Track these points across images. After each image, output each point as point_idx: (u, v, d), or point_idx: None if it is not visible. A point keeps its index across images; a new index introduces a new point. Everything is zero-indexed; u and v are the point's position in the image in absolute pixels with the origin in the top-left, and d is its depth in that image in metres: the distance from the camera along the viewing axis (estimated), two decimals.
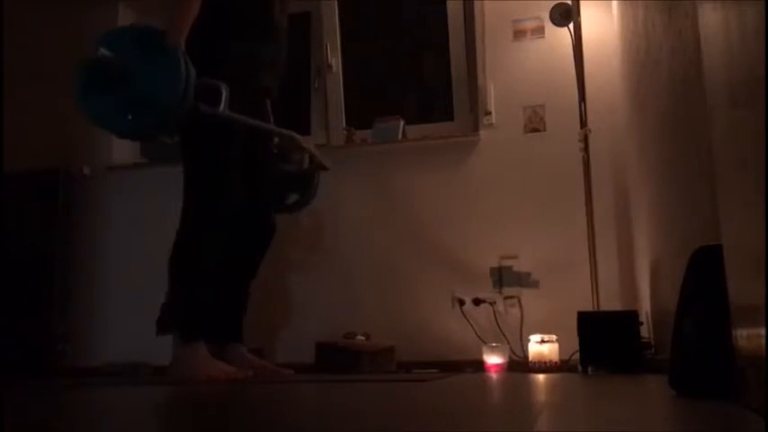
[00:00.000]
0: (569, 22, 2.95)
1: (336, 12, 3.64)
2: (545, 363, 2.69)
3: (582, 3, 3.05)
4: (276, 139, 2.59)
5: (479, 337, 3.01)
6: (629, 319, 2.42)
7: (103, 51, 2.09)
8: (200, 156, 2.30)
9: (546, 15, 3.00)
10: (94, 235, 3.56)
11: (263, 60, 2.44)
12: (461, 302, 3.09)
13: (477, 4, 3.32)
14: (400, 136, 3.39)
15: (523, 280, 3.07)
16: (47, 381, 2.46)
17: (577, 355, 2.44)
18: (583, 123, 2.90)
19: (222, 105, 2.15)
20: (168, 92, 2.05)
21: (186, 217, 2.29)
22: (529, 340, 2.78)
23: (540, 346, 2.73)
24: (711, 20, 1.06)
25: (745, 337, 0.94)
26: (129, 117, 2.07)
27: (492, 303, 3.07)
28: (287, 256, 3.24)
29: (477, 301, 3.08)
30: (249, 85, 2.38)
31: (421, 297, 3.15)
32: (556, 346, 2.72)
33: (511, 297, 3.07)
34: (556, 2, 2.94)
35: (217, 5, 2.29)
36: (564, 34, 3.01)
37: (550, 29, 3.12)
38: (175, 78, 2.05)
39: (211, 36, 2.28)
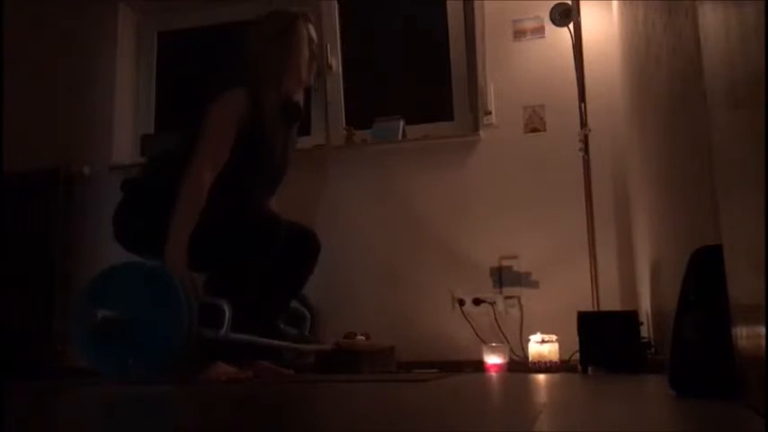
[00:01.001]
0: (569, 22, 2.95)
1: (336, 12, 3.64)
2: (545, 363, 2.69)
3: (582, 3, 3.05)
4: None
5: (479, 337, 3.01)
6: (629, 319, 2.42)
7: (104, 314, 2.01)
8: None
9: (546, 15, 3.00)
10: (95, 235, 3.56)
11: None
12: (461, 302, 3.09)
13: (477, 4, 3.32)
14: (400, 136, 3.39)
15: (523, 280, 3.07)
16: (47, 381, 2.46)
17: (577, 355, 2.44)
18: (583, 123, 2.90)
19: (225, 327, 2.03)
20: (171, 342, 1.99)
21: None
22: (529, 340, 2.78)
23: (540, 346, 2.73)
24: (711, 20, 1.06)
25: (745, 337, 0.94)
26: (131, 361, 2.00)
27: (492, 303, 3.07)
28: None
29: (477, 301, 3.08)
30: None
31: (421, 297, 3.15)
32: (556, 346, 2.72)
33: (511, 297, 3.07)
34: (556, 2, 2.94)
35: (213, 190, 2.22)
36: (564, 34, 3.01)
37: (550, 29, 3.12)
38: (178, 328, 1.98)
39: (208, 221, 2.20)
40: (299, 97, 2.54)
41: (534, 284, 3.06)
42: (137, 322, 2.02)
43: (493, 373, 2.71)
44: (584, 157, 2.88)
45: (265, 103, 2.34)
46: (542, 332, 2.75)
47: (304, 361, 2.66)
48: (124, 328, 2.02)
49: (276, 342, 2.36)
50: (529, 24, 3.28)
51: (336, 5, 3.65)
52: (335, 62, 3.60)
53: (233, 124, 2.26)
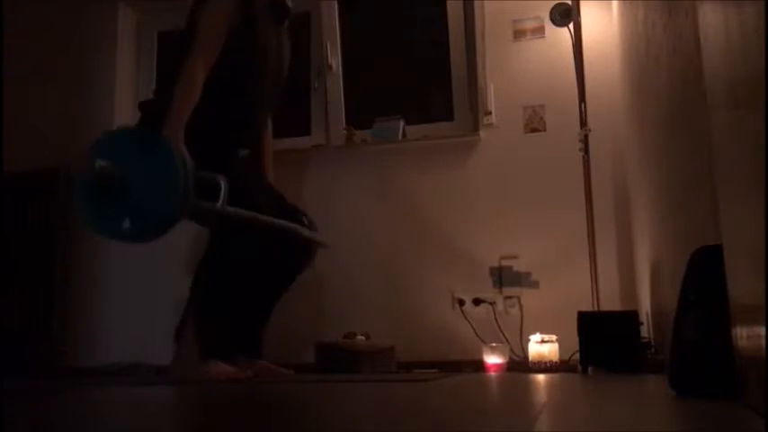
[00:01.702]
0: (569, 22, 2.94)
1: (336, 12, 3.64)
2: (545, 363, 2.69)
3: (582, 3, 3.05)
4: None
5: (479, 337, 3.01)
6: (629, 319, 2.42)
7: (101, 163, 2.07)
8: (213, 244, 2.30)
9: (546, 15, 3.00)
10: (94, 235, 3.56)
11: (262, 115, 2.55)
12: (461, 302, 3.09)
13: (477, 4, 3.32)
14: (400, 136, 3.39)
15: (523, 280, 3.07)
16: (47, 381, 2.46)
17: (577, 355, 2.44)
18: (583, 123, 2.90)
19: (221, 201, 2.11)
20: (166, 202, 2.04)
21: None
22: (529, 340, 2.78)
23: (540, 346, 2.73)
24: (711, 20, 1.06)
25: (745, 337, 0.94)
26: (126, 224, 2.05)
27: (492, 303, 3.07)
28: None
29: (477, 301, 3.08)
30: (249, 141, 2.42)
31: (421, 297, 3.15)
32: (556, 346, 2.72)
33: (511, 297, 3.07)
34: (556, 2, 2.94)
35: (215, 88, 2.30)
36: (564, 34, 3.01)
37: (550, 29, 3.12)
38: (174, 189, 2.03)
39: (212, 117, 2.30)
40: None
41: (534, 284, 3.06)
42: (134, 182, 2.06)
43: (493, 373, 2.71)
44: (584, 157, 2.88)
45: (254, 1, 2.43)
46: (542, 332, 2.75)
47: (307, 254, 2.58)
48: (122, 186, 2.06)
49: (278, 221, 2.36)
50: (529, 24, 3.28)
51: (336, 5, 3.64)
52: (335, 62, 3.59)
53: (224, 20, 2.36)
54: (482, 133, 3.24)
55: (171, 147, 2.09)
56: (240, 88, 2.44)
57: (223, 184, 2.11)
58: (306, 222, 2.56)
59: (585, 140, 2.88)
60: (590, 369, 2.39)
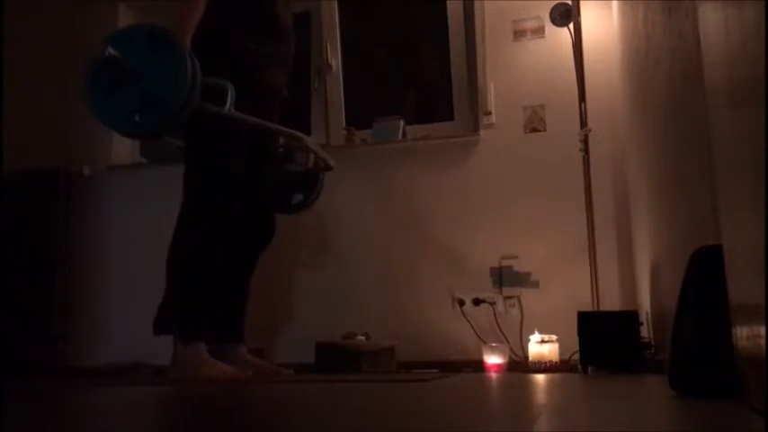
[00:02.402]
0: (569, 22, 2.94)
1: (336, 12, 3.64)
2: (545, 363, 2.69)
3: (582, 3, 3.05)
4: (281, 139, 2.59)
5: (479, 337, 3.01)
6: (629, 319, 2.42)
7: (111, 51, 2.10)
8: (200, 154, 2.30)
9: (546, 15, 3.00)
10: (94, 235, 3.56)
11: (269, 59, 2.44)
12: (461, 302, 3.09)
13: (477, 4, 3.32)
14: (400, 136, 3.39)
15: (523, 280, 3.07)
16: (47, 381, 2.46)
17: (577, 355, 2.44)
18: (583, 123, 2.90)
19: (228, 105, 2.17)
20: (175, 92, 2.07)
21: (183, 216, 2.29)
22: (529, 340, 2.78)
23: (540, 346, 2.73)
24: (711, 20, 1.06)
25: (745, 337, 0.94)
26: (136, 117, 2.08)
27: (492, 303, 3.07)
28: (287, 256, 3.24)
29: (477, 301, 3.08)
30: (256, 83, 2.38)
31: (421, 297, 3.15)
32: (556, 346, 2.72)
33: (511, 297, 3.07)
34: (556, 2, 2.94)
35: (221, 4, 2.29)
36: (564, 34, 3.01)
37: (550, 29, 3.12)
38: (182, 79, 2.06)
39: (216, 34, 2.29)
40: None
41: (534, 284, 3.06)
42: (143, 76, 2.09)
43: (493, 373, 2.71)
44: (584, 157, 2.88)
45: None
46: (542, 332, 2.75)
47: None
48: (131, 77, 2.08)
49: (289, 130, 2.39)
50: (529, 24, 3.28)
51: (336, 5, 3.64)
52: (335, 62, 3.59)
53: None
54: (482, 133, 3.24)
55: (180, 45, 2.12)
56: (247, 19, 2.39)
57: (230, 89, 2.16)
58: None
59: (585, 140, 2.88)
60: (590, 369, 2.39)
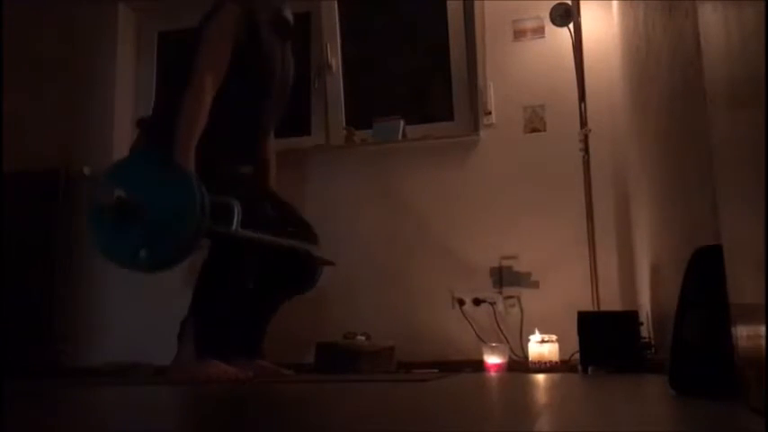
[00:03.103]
0: (569, 22, 2.94)
1: (336, 12, 3.64)
2: (545, 363, 2.69)
3: (582, 3, 3.05)
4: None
5: (479, 337, 3.01)
6: (629, 319, 2.42)
7: (119, 194, 2.06)
8: (212, 269, 2.29)
9: (546, 15, 3.00)
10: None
11: (266, 130, 2.56)
12: (461, 302, 3.09)
13: (477, 4, 3.32)
14: (400, 136, 3.39)
15: (523, 280, 3.07)
16: (47, 381, 2.46)
17: (577, 355, 2.44)
18: (583, 123, 2.90)
19: (234, 224, 2.10)
20: (183, 227, 2.04)
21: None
22: (529, 340, 2.78)
23: (540, 346, 2.73)
24: (711, 20, 1.06)
25: (745, 337, 0.94)
26: (143, 253, 2.04)
27: (492, 303, 3.07)
28: None
29: (477, 301, 3.08)
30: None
31: (421, 297, 3.15)
32: (556, 346, 2.72)
33: (511, 297, 3.07)
34: (556, 2, 2.94)
35: (219, 105, 2.28)
36: (564, 34, 3.01)
37: (550, 29, 3.11)
38: (190, 213, 2.02)
39: (216, 133, 2.27)
40: (288, 15, 2.59)
41: (534, 284, 3.06)
42: (150, 209, 2.06)
43: (493, 373, 2.71)
44: (584, 157, 2.88)
45: (258, 15, 2.41)
46: (542, 332, 2.75)
47: (312, 275, 2.60)
48: (138, 213, 2.06)
49: (286, 240, 2.36)
50: (529, 24, 3.28)
51: (336, 5, 3.64)
52: (335, 62, 3.59)
53: (229, 37, 2.33)
54: (482, 133, 3.24)
55: (187, 173, 2.08)
56: (244, 104, 2.41)
57: (236, 208, 2.10)
58: (312, 235, 2.56)
59: (585, 140, 2.88)
60: (590, 369, 2.39)
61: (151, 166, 2.14)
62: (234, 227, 2.09)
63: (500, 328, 3.03)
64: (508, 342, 2.97)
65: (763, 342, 0.80)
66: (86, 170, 3.60)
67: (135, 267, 2.09)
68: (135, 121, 2.57)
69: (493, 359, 2.81)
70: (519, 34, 3.30)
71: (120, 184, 2.12)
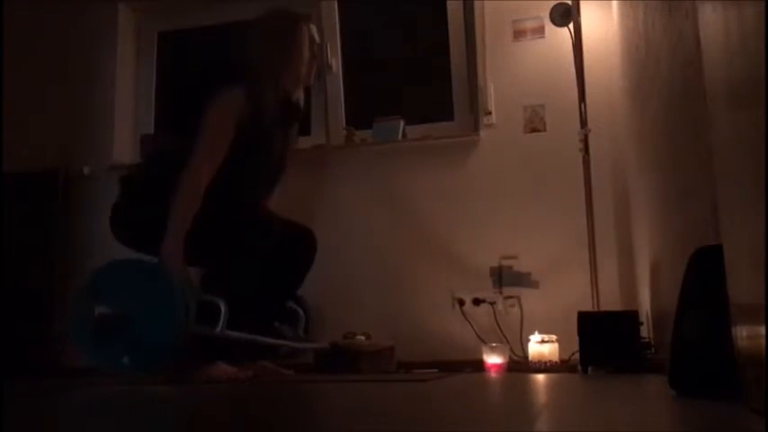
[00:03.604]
0: (569, 22, 2.94)
1: (336, 12, 3.64)
2: (545, 363, 2.69)
3: (582, 3, 3.05)
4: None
5: (479, 337, 3.01)
6: (629, 319, 2.42)
7: (104, 310, 2.06)
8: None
9: (546, 15, 3.00)
10: (94, 235, 3.56)
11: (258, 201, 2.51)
12: (461, 302, 3.09)
13: (477, 4, 3.32)
14: (400, 136, 3.39)
15: (523, 280, 3.07)
16: (47, 381, 2.46)
17: (577, 355, 2.44)
18: (583, 123, 2.90)
19: (220, 326, 2.07)
20: (167, 336, 2.03)
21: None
22: (529, 340, 2.78)
23: (540, 346, 2.73)
24: (711, 20, 1.06)
25: (745, 337, 0.94)
26: (125, 360, 2.04)
27: (492, 303, 3.07)
28: None
29: (477, 301, 3.08)
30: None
31: (421, 297, 3.15)
32: (556, 346, 2.72)
33: (511, 297, 3.07)
34: (556, 2, 2.94)
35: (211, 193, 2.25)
36: (564, 34, 3.01)
37: (550, 29, 3.11)
38: (174, 321, 2.02)
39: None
40: (299, 96, 2.54)
41: (534, 284, 3.06)
42: (133, 319, 2.05)
43: (493, 373, 2.71)
44: (584, 157, 2.88)
45: (264, 102, 2.35)
46: (542, 332, 2.75)
47: (299, 360, 2.66)
48: (120, 324, 2.04)
49: (272, 340, 2.37)
50: (529, 24, 3.28)
51: (336, 5, 3.64)
52: (335, 62, 3.59)
53: (231, 123, 2.28)
54: (482, 133, 3.24)
55: (171, 278, 2.05)
56: (238, 183, 2.34)
57: (223, 308, 2.07)
58: (311, 240, 2.58)
59: (585, 140, 2.88)
60: (590, 369, 2.39)
61: (133, 275, 2.11)
62: (219, 329, 2.07)
63: (500, 328, 3.03)
64: (508, 342, 2.97)
65: (763, 342, 0.80)
66: (86, 170, 3.60)
67: (116, 372, 2.10)
68: (140, 137, 2.54)
69: (493, 359, 2.81)
70: (519, 34, 3.30)
71: (102, 295, 2.10)
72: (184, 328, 2.02)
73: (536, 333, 2.76)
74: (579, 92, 2.91)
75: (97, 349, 2.09)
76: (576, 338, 2.42)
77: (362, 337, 2.90)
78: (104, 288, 2.13)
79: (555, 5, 2.94)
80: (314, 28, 2.55)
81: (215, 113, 2.27)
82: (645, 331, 2.45)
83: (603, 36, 3.16)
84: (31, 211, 3.53)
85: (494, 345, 2.86)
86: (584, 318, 2.45)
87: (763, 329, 0.80)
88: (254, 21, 2.56)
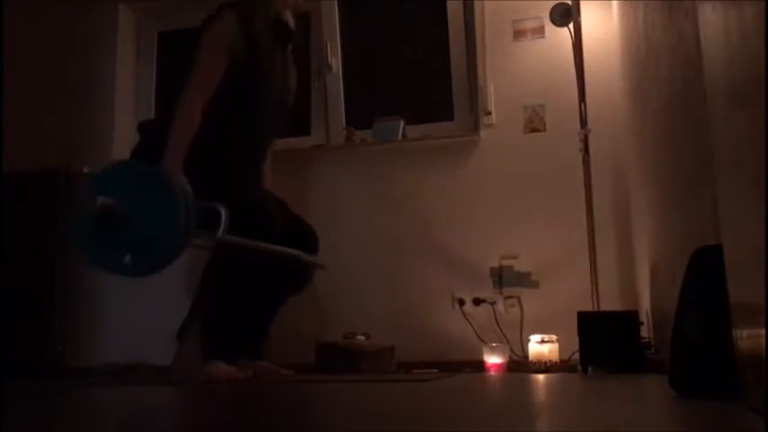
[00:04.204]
0: (569, 22, 2.94)
1: (336, 12, 3.64)
2: (545, 363, 2.69)
3: (582, 3, 3.05)
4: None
5: (479, 337, 3.01)
6: (629, 319, 2.42)
7: (105, 201, 2.07)
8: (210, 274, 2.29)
9: (546, 15, 3.00)
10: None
11: (265, 141, 2.53)
12: (461, 302, 3.09)
13: (477, 4, 3.32)
14: (400, 136, 3.39)
15: (523, 280, 3.07)
16: (47, 381, 2.46)
17: (577, 355, 2.44)
18: (583, 123, 2.90)
19: (221, 231, 2.10)
20: (167, 236, 2.05)
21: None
22: (529, 340, 2.78)
23: (540, 346, 2.73)
24: (711, 20, 1.06)
25: (745, 337, 0.94)
26: (127, 259, 2.06)
27: (492, 303, 3.07)
28: None
29: (477, 301, 3.08)
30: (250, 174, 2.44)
31: (421, 297, 3.15)
32: (556, 346, 2.72)
33: (511, 297, 3.07)
34: (556, 2, 2.94)
35: (215, 119, 2.28)
36: (564, 34, 3.01)
37: (550, 29, 3.11)
38: (175, 222, 2.03)
39: (212, 150, 2.29)
40: (288, 18, 2.56)
41: (534, 284, 3.06)
42: (135, 217, 2.07)
43: (493, 373, 2.71)
44: (584, 157, 2.87)
45: (256, 21, 2.40)
46: (542, 332, 2.75)
47: (307, 275, 2.59)
48: (122, 221, 2.06)
49: (278, 247, 2.35)
50: (529, 24, 3.28)
51: (336, 5, 3.64)
52: (335, 62, 3.59)
53: (225, 44, 2.34)
54: (482, 133, 3.24)
55: (170, 179, 2.09)
56: (242, 113, 2.40)
57: (223, 213, 2.10)
58: (309, 236, 2.56)
59: (585, 140, 2.88)
60: (590, 369, 2.39)
61: (137, 174, 2.14)
62: (220, 233, 2.09)
63: (500, 328, 3.03)
64: (508, 342, 2.97)
65: (763, 342, 0.80)
66: (86, 170, 3.59)
67: (119, 273, 2.10)
68: (137, 124, 2.56)
69: (493, 359, 2.81)
70: (519, 34, 3.30)
71: (106, 190, 2.12)
72: (186, 228, 2.04)
73: (536, 333, 2.76)
74: (579, 92, 2.91)
75: (100, 249, 2.11)
76: (576, 338, 2.42)
77: (362, 337, 2.90)
78: (107, 185, 2.15)
79: (555, 5, 2.94)
80: None
81: (208, 38, 2.34)
82: (645, 331, 2.45)
83: (603, 36, 3.16)
84: (31, 211, 3.53)
85: (494, 345, 2.86)
86: (584, 318, 2.45)
87: (763, 329, 0.80)
88: None
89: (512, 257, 3.09)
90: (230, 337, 2.26)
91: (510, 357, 2.87)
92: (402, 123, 3.40)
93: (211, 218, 2.10)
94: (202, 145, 2.22)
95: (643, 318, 2.48)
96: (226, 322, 2.25)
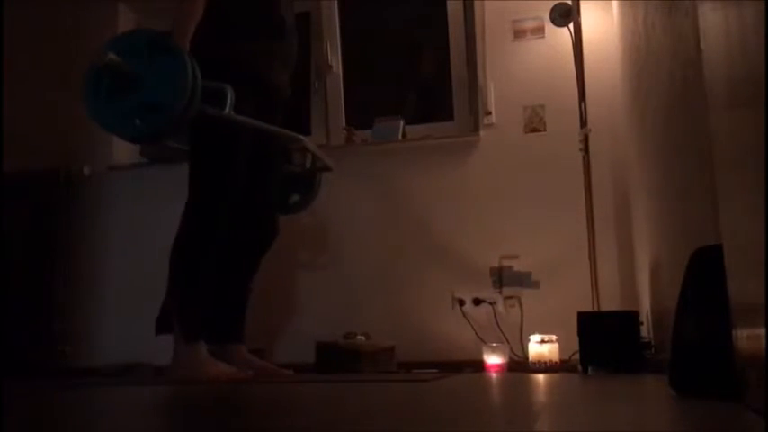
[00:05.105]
0: (569, 22, 2.94)
1: (336, 12, 3.64)
2: (545, 363, 2.69)
3: (582, 3, 3.05)
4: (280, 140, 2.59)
5: (479, 337, 3.01)
6: (629, 319, 2.42)
7: (112, 56, 2.10)
8: (204, 155, 2.30)
9: (546, 15, 3.00)
10: (94, 235, 3.56)
11: (270, 57, 2.44)
12: (461, 302, 3.09)
13: (477, 4, 3.32)
14: (400, 136, 3.39)
15: (523, 280, 3.07)
16: (47, 381, 2.46)
17: (577, 355, 2.44)
18: (583, 123, 2.90)
19: (227, 107, 2.17)
20: (176, 98, 2.08)
21: (188, 216, 2.29)
22: (529, 340, 2.78)
23: (540, 346, 2.73)
24: (711, 20, 1.06)
25: (745, 337, 0.94)
26: (137, 122, 2.08)
27: (492, 303, 3.07)
28: (287, 257, 3.24)
29: (477, 301, 3.08)
30: (257, 82, 2.38)
31: (421, 297, 3.15)
32: (556, 346, 2.72)
33: (511, 297, 3.07)
34: (556, 2, 2.94)
35: (221, 4, 2.29)
36: (564, 34, 3.01)
37: (550, 29, 3.11)
38: (183, 84, 2.08)
39: (216, 34, 2.29)
40: None
41: (534, 284, 3.06)
42: (144, 81, 2.11)
43: (493, 373, 2.71)
44: (584, 157, 2.88)
45: None
46: (542, 332, 2.75)
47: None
48: (131, 83, 2.11)
49: (276, 129, 2.41)
50: (529, 24, 3.28)
51: (336, 5, 3.64)
52: (335, 62, 3.59)
53: None
54: (482, 133, 3.24)
55: (181, 50, 2.14)
56: (249, 18, 2.39)
57: (229, 92, 2.16)
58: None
59: (585, 140, 2.88)
60: (590, 369, 2.39)
61: (147, 41, 2.19)
62: (227, 110, 2.16)
63: (500, 328, 3.03)
64: (508, 342, 2.97)
65: (763, 342, 0.80)
66: (86, 170, 3.60)
67: (130, 136, 2.18)
68: None
69: (493, 359, 2.81)
70: (519, 34, 3.30)
71: (116, 51, 2.16)
72: (193, 94, 2.08)
73: (536, 333, 2.76)
74: (579, 92, 2.91)
75: (110, 110, 2.15)
76: (576, 338, 2.43)
77: (362, 337, 2.90)
78: (121, 46, 2.19)
79: (555, 5, 2.94)
80: None
81: None
82: (645, 331, 2.45)
83: (603, 36, 3.16)
84: (31, 211, 3.53)
85: (494, 345, 2.86)
86: (584, 318, 2.45)
87: (763, 329, 0.80)
88: None
89: (512, 257, 3.09)
90: (206, 315, 2.26)
91: (510, 357, 2.87)
92: (402, 123, 3.40)
93: (218, 97, 2.16)
94: (208, 29, 2.25)
95: (643, 318, 2.48)
96: (199, 299, 2.25)
